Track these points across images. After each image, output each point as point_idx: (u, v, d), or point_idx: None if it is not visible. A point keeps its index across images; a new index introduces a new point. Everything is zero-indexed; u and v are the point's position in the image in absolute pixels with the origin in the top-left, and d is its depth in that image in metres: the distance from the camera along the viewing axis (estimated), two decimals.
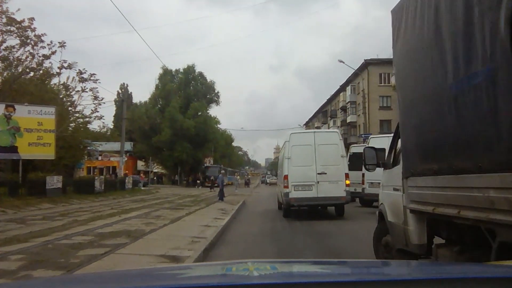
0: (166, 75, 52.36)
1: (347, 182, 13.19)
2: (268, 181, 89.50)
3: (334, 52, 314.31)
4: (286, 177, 13.23)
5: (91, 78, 23.50)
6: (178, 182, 51.81)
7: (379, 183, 14.54)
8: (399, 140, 5.35)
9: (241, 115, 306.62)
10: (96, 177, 27.39)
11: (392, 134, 16.40)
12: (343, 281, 1.43)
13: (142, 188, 35.79)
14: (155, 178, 53.27)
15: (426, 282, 1.42)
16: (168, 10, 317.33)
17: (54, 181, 21.11)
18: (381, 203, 6.13)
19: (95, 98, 23.86)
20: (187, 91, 52.16)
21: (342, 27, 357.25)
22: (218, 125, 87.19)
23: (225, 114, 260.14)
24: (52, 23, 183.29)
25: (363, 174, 14.73)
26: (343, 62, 32.84)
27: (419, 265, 2.35)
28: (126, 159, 54.45)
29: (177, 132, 48.59)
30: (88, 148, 37.06)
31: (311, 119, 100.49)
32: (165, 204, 18.92)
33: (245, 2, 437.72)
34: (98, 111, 24.37)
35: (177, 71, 53.37)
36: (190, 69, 53.09)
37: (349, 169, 18.68)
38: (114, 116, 55.38)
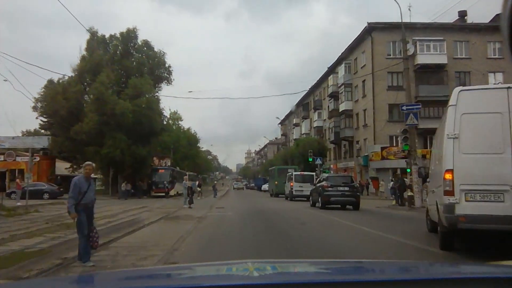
0: (98, 43, 37.43)
1: None
2: (234, 187, 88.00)
3: (303, 58, 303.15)
4: (448, 173, 6.87)
5: None
6: (110, 192, 36.75)
7: None
8: None
9: (213, 120, 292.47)
10: None
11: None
12: (343, 281, 1.45)
13: (18, 204, 20.82)
14: None
15: (426, 282, 1.42)
16: (138, 16, 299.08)
17: None
18: None
19: None
20: (125, 64, 37.24)
21: (311, 33, 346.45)
22: (180, 121, 73.74)
23: (198, 119, 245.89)
24: (23, 28, 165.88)
25: None
26: None
27: (419, 265, 2.24)
28: (37, 158, 39.18)
29: (107, 120, 33.77)
30: None
31: (288, 116, 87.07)
32: None
33: (216, 9, 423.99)
34: None
35: (112, 37, 38.44)
36: (130, 35, 38.21)
37: None
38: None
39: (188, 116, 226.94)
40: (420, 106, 18.79)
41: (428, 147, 36.40)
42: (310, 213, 17.87)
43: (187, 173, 55.91)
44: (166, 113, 65.07)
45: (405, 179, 21.17)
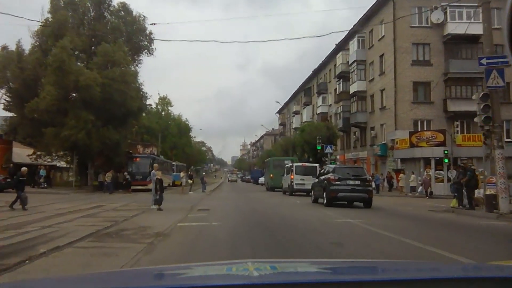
0: (65, 4, 30.77)
1: None
2: (229, 179, 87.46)
3: (299, 50, 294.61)
4: None
5: None
6: (73, 184, 30.21)
7: None
8: None
9: (209, 113, 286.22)
10: None
11: None
12: (343, 281, 1.43)
13: None
14: (37, 177, 30.84)
15: (426, 282, 1.41)
16: (132, 6, 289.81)
17: None
18: None
19: None
20: (95, 27, 30.56)
21: (308, 25, 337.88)
22: (170, 107, 67.43)
23: (194, 112, 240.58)
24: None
25: None
26: None
27: (419, 265, 2.19)
28: None
29: (69, 95, 27.23)
30: None
31: (287, 104, 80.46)
32: None
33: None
34: None
35: None
36: None
37: None
38: None
39: (183, 109, 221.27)
40: (507, 60, 12.41)
41: (461, 132, 30.26)
42: (337, 224, 11.60)
43: (175, 163, 49.63)
44: (148, 90, 58.16)
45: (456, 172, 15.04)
